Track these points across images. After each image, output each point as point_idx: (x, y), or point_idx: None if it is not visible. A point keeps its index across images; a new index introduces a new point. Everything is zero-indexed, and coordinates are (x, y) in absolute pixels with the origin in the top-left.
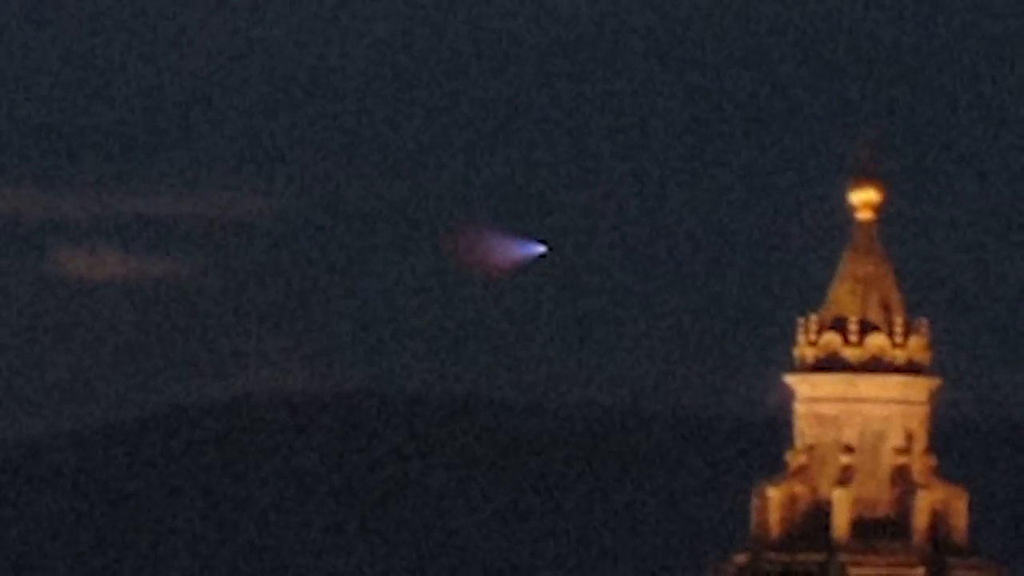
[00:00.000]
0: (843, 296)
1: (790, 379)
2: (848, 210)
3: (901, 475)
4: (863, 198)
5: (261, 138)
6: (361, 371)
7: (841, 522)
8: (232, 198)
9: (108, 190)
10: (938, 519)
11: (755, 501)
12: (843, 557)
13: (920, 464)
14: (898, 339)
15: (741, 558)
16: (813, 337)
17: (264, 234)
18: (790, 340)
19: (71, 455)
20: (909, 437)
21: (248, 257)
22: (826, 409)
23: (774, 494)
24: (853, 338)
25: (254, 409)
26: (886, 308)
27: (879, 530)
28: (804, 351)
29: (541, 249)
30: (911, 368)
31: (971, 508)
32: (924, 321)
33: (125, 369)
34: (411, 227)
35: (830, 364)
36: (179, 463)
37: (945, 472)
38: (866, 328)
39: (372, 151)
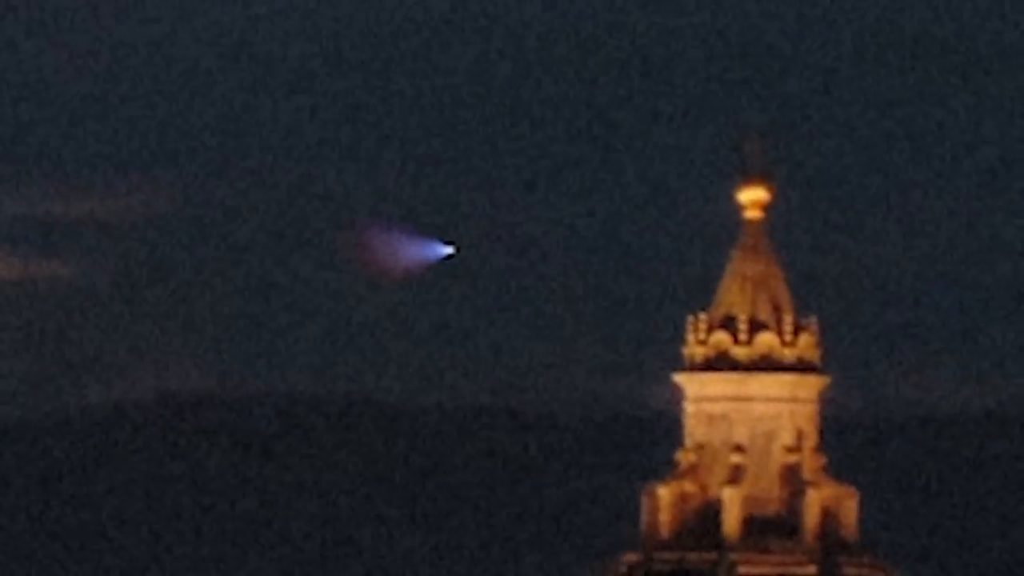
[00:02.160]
0: (732, 295)
1: (679, 378)
2: (737, 209)
3: (791, 474)
4: (752, 197)
5: (151, 136)
6: (251, 372)
7: (732, 521)
8: (122, 198)
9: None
10: (828, 517)
11: (645, 500)
12: (734, 556)
13: (810, 462)
14: (787, 338)
15: (631, 557)
16: (703, 336)
17: (154, 234)
18: (679, 339)
19: None
20: (799, 435)
21: (137, 258)
22: (716, 408)
23: (664, 493)
24: (743, 337)
25: (143, 411)
26: (775, 307)
27: (770, 529)
28: (694, 350)
29: (446, 251)
30: (801, 367)
31: (861, 506)
32: (813, 319)
33: (13, 371)
34: (309, 227)
35: (720, 363)
36: (67, 465)
37: (835, 470)
38: (756, 327)
39: (270, 147)
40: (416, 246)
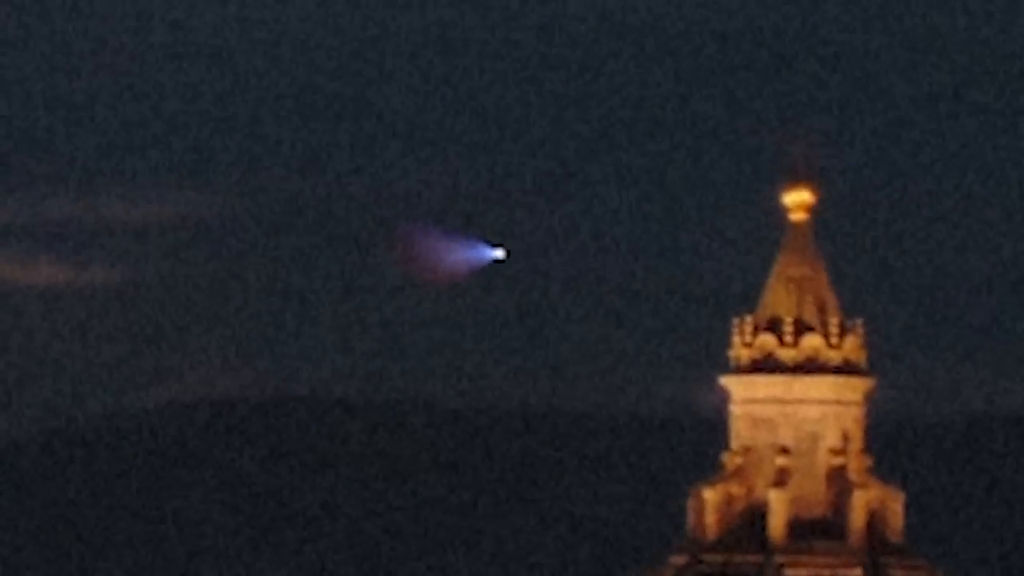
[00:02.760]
0: (778, 297)
1: (726, 380)
2: (782, 211)
3: (837, 475)
4: (797, 199)
5: (198, 143)
6: (295, 376)
7: (777, 523)
8: (163, 204)
9: (39, 197)
10: (874, 519)
11: (691, 503)
12: (780, 558)
13: (856, 464)
14: (833, 340)
15: (678, 560)
16: (748, 338)
17: (196, 240)
18: (725, 341)
19: (2, 462)
20: (845, 437)
21: (179, 263)
22: (762, 410)
23: (710, 496)
24: (788, 339)
25: (186, 415)
26: (821, 309)
27: (816, 531)
28: (739, 352)
29: (495, 255)
30: (846, 368)
31: (907, 508)
32: (859, 321)
33: (57, 376)
34: (351, 230)
35: (765, 365)
36: (111, 469)
37: (881, 472)
38: (801, 329)
39: (313, 150)
40: (463, 249)
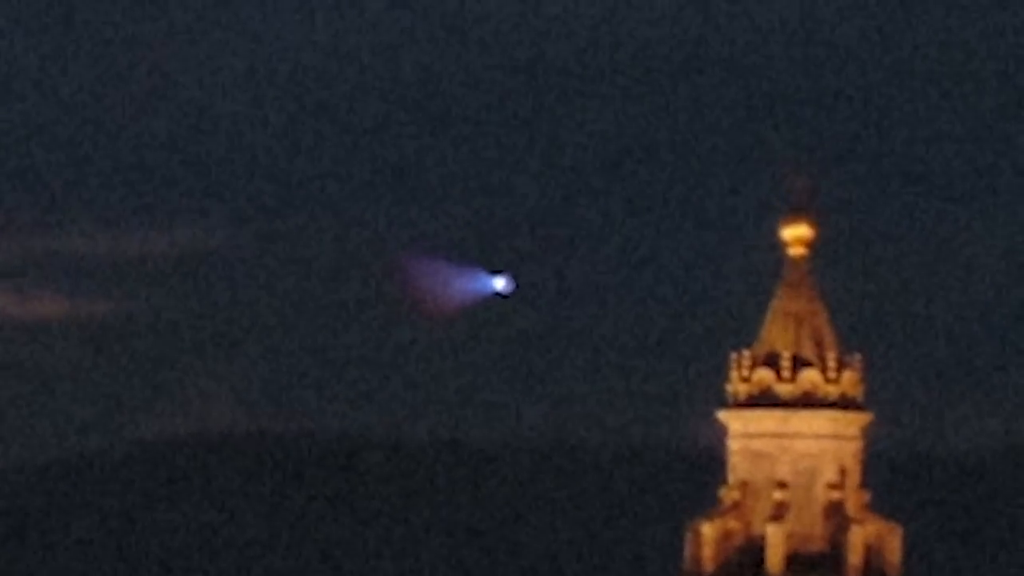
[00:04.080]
0: (776, 332)
1: (723, 415)
2: (781, 245)
3: (835, 510)
4: (795, 234)
5: (195, 174)
6: (298, 410)
7: (775, 558)
8: (169, 237)
9: (40, 231)
10: (872, 554)
11: (689, 537)
12: None
13: (854, 499)
14: (831, 374)
15: None
16: (746, 373)
17: (202, 272)
18: (723, 376)
19: (1, 495)
20: (842, 472)
21: (184, 296)
22: (759, 445)
23: (708, 530)
24: (786, 374)
25: (183, 449)
26: (819, 344)
27: (813, 565)
28: (737, 387)
29: (497, 286)
30: (844, 403)
31: (905, 543)
32: (857, 356)
33: (58, 410)
34: (354, 262)
35: (763, 400)
36: (112, 503)
37: (879, 507)
38: (799, 364)
39: (312, 184)
40: (465, 281)
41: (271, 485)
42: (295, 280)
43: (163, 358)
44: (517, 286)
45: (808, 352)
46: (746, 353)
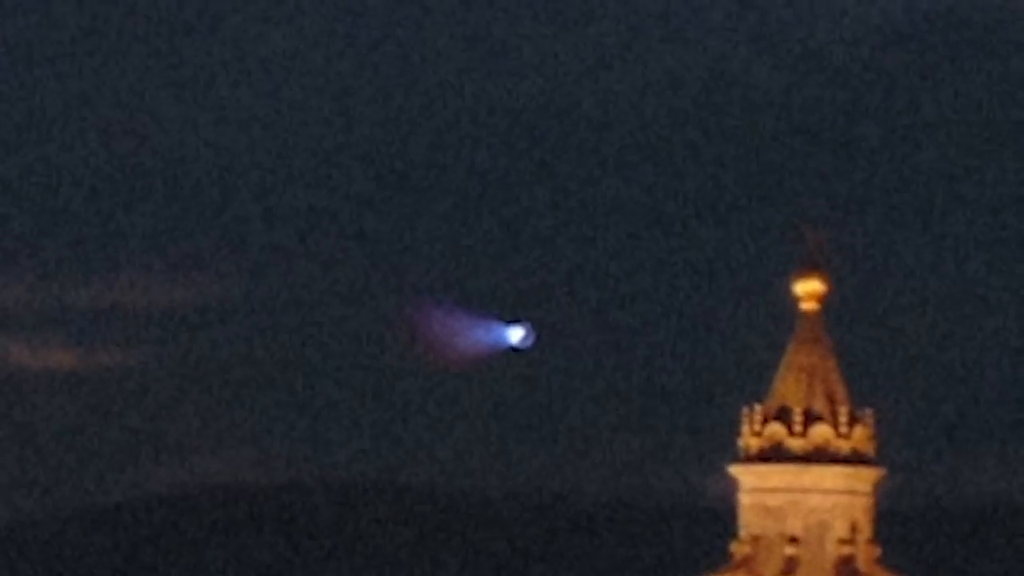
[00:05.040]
0: (788, 386)
1: (735, 469)
2: (793, 300)
3: (846, 566)
4: (808, 288)
5: (202, 226)
6: (310, 461)
7: None
8: (177, 287)
9: (53, 281)
10: None
11: None
12: None
13: (865, 555)
14: (843, 429)
15: None
16: (758, 427)
17: (210, 324)
18: (735, 430)
19: (12, 547)
20: (854, 528)
21: (193, 348)
22: (771, 499)
23: None
24: (798, 428)
25: (196, 499)
26: (831, 399)
27: None
28: (749, 441)
29: (512, 337)
30: (856, 458)
31: None
32: (869, 411)
33: (65, 460)
34: (367, 311)
35: (775, 454)
36: (125, 555)
37: (890, 563)
38: (811, 418)
39: (320, 233)
40: (479, 332)
41: (281, 535)
42: (303, 331)
43: (170, 409)
44: (536, 338)
45: (820, 407)
46: (758, 407)
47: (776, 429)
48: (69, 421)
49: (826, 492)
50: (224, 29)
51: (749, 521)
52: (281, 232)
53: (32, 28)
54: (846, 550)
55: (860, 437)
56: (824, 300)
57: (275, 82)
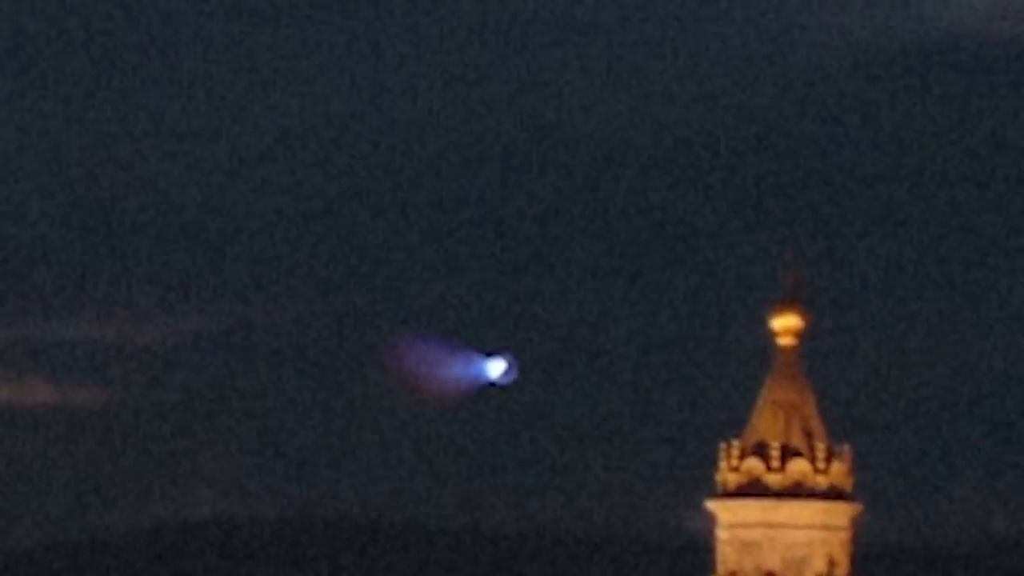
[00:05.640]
0: (765, 422)
1: (712, 504)
2: (771, 336)
3: None
4: (785, 324)
5: (184, 262)
6: (289, 495)
7: None
8: (159, 323)
9: (33, 317)
10: None
11: None
12: None
13: None
14: (820, 465)
15: None
16: (735, 463)
17: (190, 357)
18: (712, 465)
19: None
20: (831, 562)
21: (172, 381)
22: (748, 534)
23: None
24: (775, 464)
25: (181, 535)
26: (808, 434)
27: None
28: (726, 476)
29: (492, 372)
30: (833, 494)
31: None
32: (846, 447)
33: (48, 495)
34: (349, 346)
35: (752, 490)
36: None
37: None
38: (788, 454)
39: (302, 267)
40: (460, 366)
41: (264, 572)
42: (284, 364)
43: (153, 444)
44: (516, 374)
45: (797, 442)
46: (735, 443)
47: (754, 464)
48: (49, 456)
49: (804, 527)
50: (209, 62)
51: (727, 556)
52: (259, 268)
53: (13, 59)
54: None
55: (838, 472)
56: (801, 336)
57: (250, 117)
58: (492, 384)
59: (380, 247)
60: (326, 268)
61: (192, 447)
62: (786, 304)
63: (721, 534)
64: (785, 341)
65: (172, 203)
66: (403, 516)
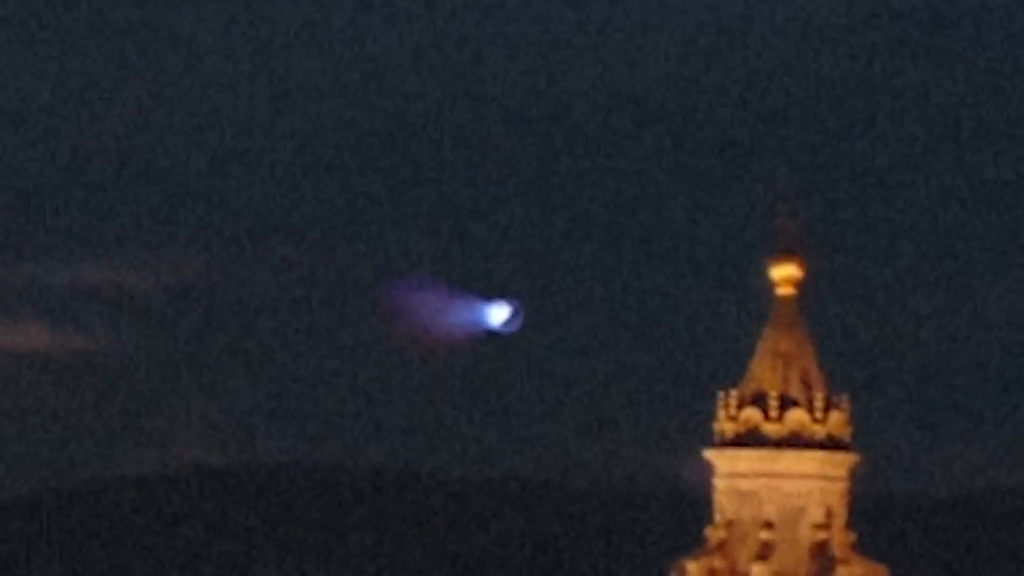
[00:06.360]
0: (763, 371)
1: (710, 454)
2: (769, 285)
3: (820, 550)
4: (784, 273)
5: (179, 206)
6: (286, 444)
7: None
8: (155, 268)
9: (31, 263)
10: None
11: None
12: None
13: (839, 540)
14: (818, 415)
15: None
16: (733, 412)
17: (186, 304)
18: (710, 415)
19: None
20: (829, 513)
21: (168, 328)
22: (746, 484)
23: (694, 569)
24: (773, 413)
25: (178, 482)
26: (806, 384)
27: None
28: (724, 426)
29: (493, 317)
30: (831, 444)
31: None
32: (844, 397)
33: (41, 442)
34: (343, 291)
35: (750, 439)
36: (100, 535)
37: (865, 548)
38: (786, 403)
39: (298, 212)
40: (461, 312)
41: (260, 518)
42: (280, 311)
43: (146, 391)
44: (520, 322)
45: (796, 392)
46: (733, 392)
47: (752, 414)
48: (44, 402)
49: (801, 477)
50: (201, 15)
51: (724, 506)
52: (259, 213)
53: (11, 17)
54: (821, 535)
55: (836, 422)
56: (800, 285)
57: (250, 64)
58: (494, 332)
59: (378, 191)
60: (324, 214)
61: (188, 394)
62: (785, 254)
63: (719, 483)
64: (784, 291)
65: (168, 150)
66: (401, 464)
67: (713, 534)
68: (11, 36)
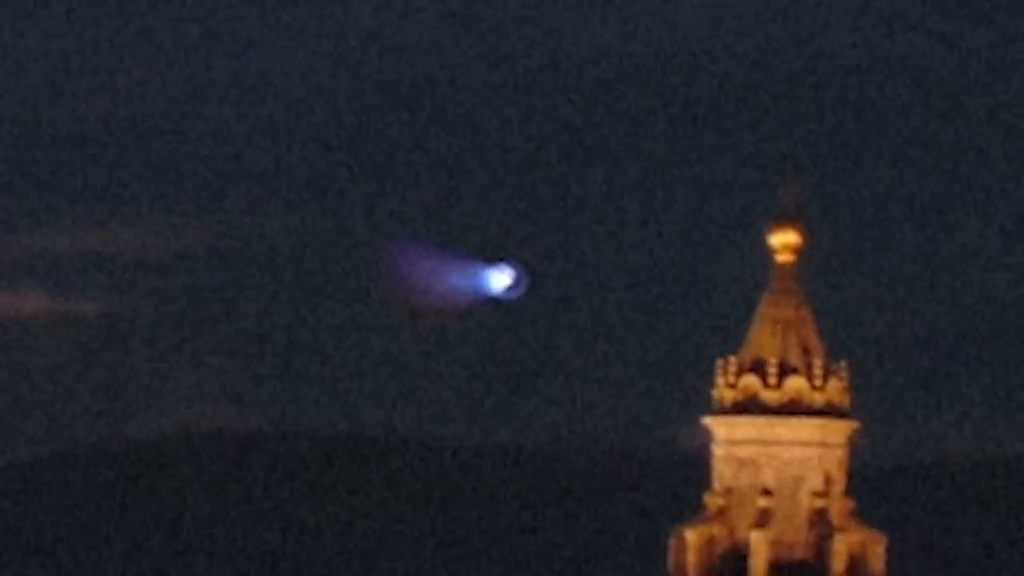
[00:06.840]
0: (763, 338)
1: (708, 421)
2: (768, 252)
3: (819, 518)
4: (783, 240)
5: (180, 173)
6: (286, 409)
7: (759, 565)
8: (153, 233)
9: (31, 229)
10: (856, 562)
11: (673, 543)
12: None
13: (838, 507)
14: (817, 382)
15: None
16: (732, 379)
17: (186, 269)
18: (709, 382)
19: None
20: (827, 480)
21: (168, 293)
22: (744, 451)
23: (692, 536)
24: (772, 380)
25: (178, 447)
26: (805, 351)
27: (797, 573)
28: (723, 393)
29: (496, 285)
30: (830, 411)
31: (889, 552)
32: (843, 364)
33: (43, 406)
34: (346, 258)
35: (749, 406)
36: (100, 500)
37: (863, 515)
38: (785, 371)
39: (299, 183)
40: (461, 277)
41: (259, 484)
42: (281, 277)
43: (150, 357)
44: (523, 288)
45: (795, 359)
46: (732, 359)
47: (750, 381)
48: (44, 367)
49: (800, 444)
50: None
51: (723, 473)
52: (257, 179)
53: None
54: (820, 502)
55: (834, 389)
56: (799, 252)
57: (246, 37)
58: (495, 299)
59: (379, 154)
60: (323, 179)
61: (189, 359)
62: (784, 221)
63: (717, 450)
64: (783, 258)
65: (171, 118)
66: (400, 430)
67: (712, 501)
68: (11, 8)
